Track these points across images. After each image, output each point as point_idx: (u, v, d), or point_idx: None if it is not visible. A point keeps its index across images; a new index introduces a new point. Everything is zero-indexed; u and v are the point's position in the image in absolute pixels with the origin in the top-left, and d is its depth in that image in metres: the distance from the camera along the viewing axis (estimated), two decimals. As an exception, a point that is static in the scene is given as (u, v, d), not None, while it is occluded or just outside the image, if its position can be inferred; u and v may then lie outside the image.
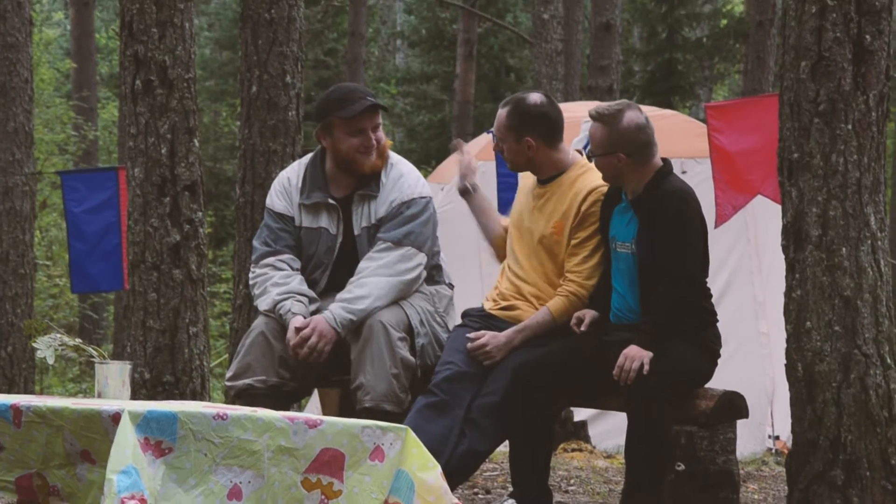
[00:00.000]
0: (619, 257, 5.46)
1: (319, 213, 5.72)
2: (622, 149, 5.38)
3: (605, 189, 5.58)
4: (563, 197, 5.64)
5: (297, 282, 5.66)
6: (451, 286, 5.88)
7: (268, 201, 5.83)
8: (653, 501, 5.26)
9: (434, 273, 5.80)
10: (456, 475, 5.38)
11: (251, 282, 5.75)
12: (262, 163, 8.44)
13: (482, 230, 5.94)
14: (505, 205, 7.81)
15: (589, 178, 5.62)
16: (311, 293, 5.65)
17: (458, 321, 5.77)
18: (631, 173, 5.42)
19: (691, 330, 5.37)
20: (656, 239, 5.33)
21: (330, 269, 5.72)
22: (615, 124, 5.40)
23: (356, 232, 5.69)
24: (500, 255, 5.89)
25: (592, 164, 5.57)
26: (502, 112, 5.67)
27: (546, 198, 5.67)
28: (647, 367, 5.21)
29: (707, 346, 5.43)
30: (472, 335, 5.56)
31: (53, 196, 19.18)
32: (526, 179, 5.83)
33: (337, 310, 5.51)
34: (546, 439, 5.52)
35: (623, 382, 5.24)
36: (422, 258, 5.66)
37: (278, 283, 5.64)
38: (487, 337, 5.54)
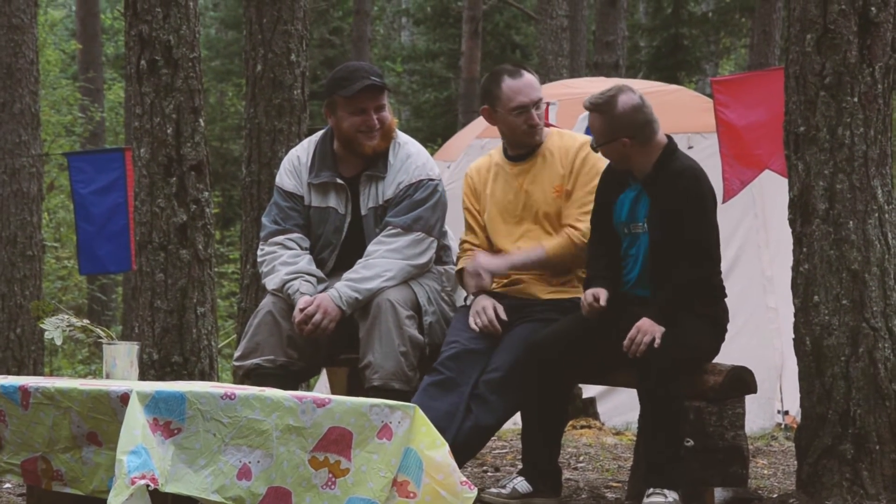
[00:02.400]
0: (632, 239, 5.46)
1: (328, 193, 5.72)
2: (623, 133, 5.38)
3: (589, 142, 5.63)
4: (554, 161, 5.70)
5: (306, 262, 5.65)
6: (459, 264, 5.88)
7: (277, 179, 5.83)
8: (673, 477, 5.25)
9: (442, 254, 5.80)
10: (463, 451, 5.38)
11: (259, 259, 5.75)
12: (267, 142, 8.43)
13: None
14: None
15: (574, 136, 5.76)
16: (320, 273, 5.65)
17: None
18: (637, 154, 5.41)
19: (702, 305, 5.38)
20: (672, 217, 5.33)
21: (338, 250, 5.71)
22: (611, 111, 5.40)
23: (363, 212, 5.68)
24: None
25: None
26: (532, 76, 5.73)
27: (534, 172, 5.71)
28: (657, 342, 5.21)
29: (716, 322, 5.43)
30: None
31: (61, 178, 19.20)
32: (478, 173, 5.85)
33: (343, 288, 5.51)
34: (560, 416, 5.52)
35: (632, 355, 5.24)
36: (431, 242, 5.65)
37: (287, 262, 5.64)
38: (482, 268, 5.61)
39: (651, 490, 5.25)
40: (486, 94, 5.76)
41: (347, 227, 5.70)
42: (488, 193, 5.80)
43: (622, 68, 16.94)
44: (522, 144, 5.74)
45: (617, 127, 5.38)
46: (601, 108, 5.42)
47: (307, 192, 5.74)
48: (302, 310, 5.48)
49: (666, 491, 5.22)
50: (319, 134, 5.84)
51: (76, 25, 24.42)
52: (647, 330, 5.23)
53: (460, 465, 4.97)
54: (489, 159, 5.88)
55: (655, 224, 5.38)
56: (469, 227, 5.86)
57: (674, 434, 5.26)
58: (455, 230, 6.00)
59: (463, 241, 5.86)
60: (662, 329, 5.23)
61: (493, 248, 5.79)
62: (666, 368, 5.22)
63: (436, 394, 5.41)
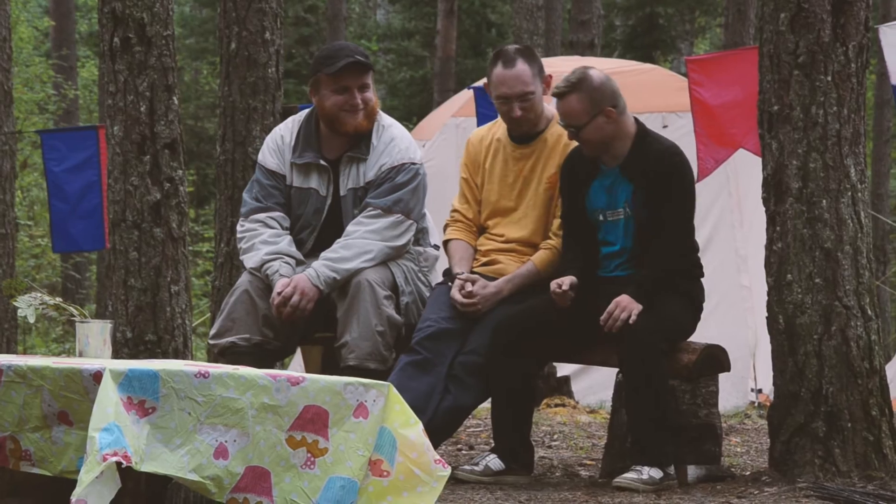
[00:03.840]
0: (611, 225, 5.46)
1: (310, 174, 5.69)
2: (608, 102, 5.38)
3: None
4: (553, 152, 5.66)
5: (287, 242, 5.63)
6: (436, 247, 5.87)
7: (259, 157, 5.80)
8: (655, 455, 5.26)
9: (419, 236, 5.78)
10: (441, 431, 5.40)
11: (239, 235, 5.72)
12: (242, 120, 8.39)
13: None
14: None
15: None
16: (299, 255, 5.62)
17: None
18: (618, 131, 5.40)
19: (680, 283, 5.41)
20: (659, 199, 5.34)
21: (318, 231, 5.70)
22: (589, 84, 5.40)
23: (342, 193, 5.66)
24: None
25: None
26: (525, 67, 5.60)
27: (534, 158, 5.68)
28: (633, 319, 5.22)
29: (693, 300, 5.46)
30: (462, 277, 5.55)
31: (34, 156, 19.10)
32: (480, 142, 5.80)
33: (320, 268, 5.50)
34: (527, 395, 5.53)
35: (608, 329, 5.26)
36: (410, 225, 5.63)
37: (268, 241, 5.61)
38: (477, 287, 5.54)
39: (633, 467, 5.27)
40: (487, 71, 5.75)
41: (328, 208, 5.68)
42: (487, 168, 5.77)
43: (597, 47, 16.93)
44: (512, 129, 5.72)
45: (599, 98, 5.38)
46: (577, 87, 5.39)
47: (289, 171, 5.72)
48: (280, 293, 5.47)
49: (644, 468, 5.23)
50: (304, 113, 5.81)
51: (49, 2, 24.29)
52: (626, 306, 5.25)
53: (436, 444, 4.98)
54: (490, 133, 5.81)
55: (641, 207, 5.39)
56: (464, 197, 5.82)
57: (654, 412, 5.27)
58: (431, 210, 5.99)
59: (454, 210, 5.84)
60: (640, 307, 5.25)
61: (482, 223, 5.77)
62: (644, 346, 5.23)
63: (414, 373, 5.42)
